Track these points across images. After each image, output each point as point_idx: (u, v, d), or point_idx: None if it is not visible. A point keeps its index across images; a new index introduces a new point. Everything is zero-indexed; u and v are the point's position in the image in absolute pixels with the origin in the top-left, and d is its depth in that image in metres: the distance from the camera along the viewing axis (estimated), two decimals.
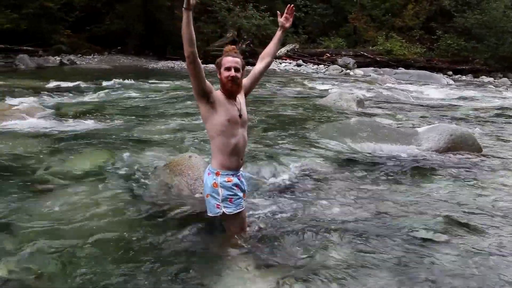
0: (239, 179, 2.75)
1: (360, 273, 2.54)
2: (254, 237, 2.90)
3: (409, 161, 5.04)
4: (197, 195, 3.63)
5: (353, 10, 27.89)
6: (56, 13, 20.13)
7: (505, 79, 21.55)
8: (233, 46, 2.79)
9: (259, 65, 2.98)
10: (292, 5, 3.06)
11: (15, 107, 6.89)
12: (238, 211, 2.71)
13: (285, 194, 3.78)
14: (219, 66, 2.68)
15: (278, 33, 3.05)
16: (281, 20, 3.02)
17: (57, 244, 2.76)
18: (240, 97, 2.77)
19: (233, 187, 2.67)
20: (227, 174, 2.67)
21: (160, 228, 3.05)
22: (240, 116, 2.70)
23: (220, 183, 2.65)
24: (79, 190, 3.68)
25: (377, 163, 4.92)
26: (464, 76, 22.79)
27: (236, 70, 2.64)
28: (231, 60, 2.64)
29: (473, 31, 23.77)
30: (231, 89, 2.67)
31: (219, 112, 2.62)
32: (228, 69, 2.63)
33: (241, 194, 2.74)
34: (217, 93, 2.67)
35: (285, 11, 3.01)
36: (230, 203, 2.66)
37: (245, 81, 2.88)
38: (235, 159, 2.70)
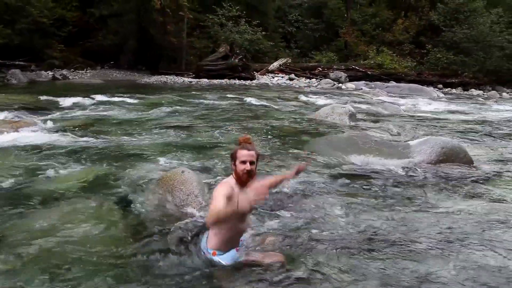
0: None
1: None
2: (247, 252, 2.88)
3: (402, 174, 5.06)
4: (189, 210, 3.61)
5: (344, 25, 28.35)
6: (49, 28, 20.16)
7: (493, 92, 21.93)
8: (247, 137, 2.83)
9: None
10: (307, 165, 3.15)
11: (6, 122, 6.84)
12: (244, 256, 2.78)
13: (277, 209, 3.76)
14: (234, 158, 2.73)
15: (286, 176, 3.18)
16: (293, 172, 3.13)
17: (47, 261, 2.72)
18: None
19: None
20: (223, 253, 2.71)
21: (152, 243, 3.02)
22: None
23: (216, 261, 2.71)
24: (70, 205, 3.63)
25: (370, 176, 4.94)
26: (454, 89, 23.15)
27: (252, 163, 2.70)
28: (246, 154, 2.69)
29: (462, 45, 24.25)
30: (246, 181, 2.72)
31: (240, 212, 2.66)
32: (243, 162, 2.68)
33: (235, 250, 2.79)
34: (233, 188, 2.66)
35: (301, 166, 3.19)
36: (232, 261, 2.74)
37: None
38: (237, 239, 2.79)
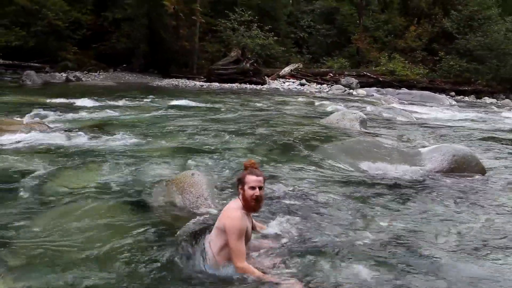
0: None
1: None
2: (256, 257, 2.87)
3: (413, 182, 5.01)
4: (198, 212, 3.62)
5: (356, 31, 28.28)
6: (64, 31, 20.53)
7: (507, 100, 21.64)
8: (253, 161, 2.83)
9: None
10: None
11: (20, 122, 6.95)
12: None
13: (287, 214, 3.75)
14: (242, 183, 2.72)
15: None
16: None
17: (58, 260, 2.74)
18: None
19: None
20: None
21: (161, 245, 3.03)
22: (253, 227, 2.85)
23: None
24: (81, 205, 3.67)
25: (380, 183, 4.90)
26: (466, 97, 22.89)
27: (260, 188, 2.70)
28: (255, 179, 2.70)
29: (475, 53, 24.00)
30: (254, 207, 2.74)
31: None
32: (253, 188, 2.68)
33: None
34: (244, 222, 2.66)
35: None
36: None
37: None
38: None
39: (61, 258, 2.78)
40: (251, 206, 2.71)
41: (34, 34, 19.39)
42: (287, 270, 2.74)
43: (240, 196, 2.73)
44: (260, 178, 2.72)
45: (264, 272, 2.64)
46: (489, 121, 12.34)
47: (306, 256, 2.92)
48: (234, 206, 2.72)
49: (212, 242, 2.75)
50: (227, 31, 24.50)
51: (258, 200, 2.69)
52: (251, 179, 2.68)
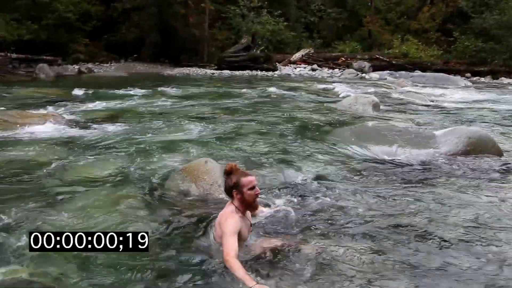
0: None
1: (377, 278, 2.51)
2: (270, 241, 2.89)
3: (427, 165, 4.96)
4: (213, 199, 3.65)
5: (367, 14, 27.78)
6: (74, 23, 20.62)
7: None
8: (234, 164, 2.81)
9: None
10: None
11: (34, 115, 7.06)
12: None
13: (300, 198, 3.75)
14: (239, 186, 2.69)
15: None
16: None
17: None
18: None
19: None
20: None
21: (175, 233, 3.07)
22: (251, 225, 2.82)
23: None
24: (95, 195, 3.73)
25: (394, 166, 4.86)
26: (482, 78, 22.34)
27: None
28: (252, 179, 2.74)
29: (492, 32, 23.32)
30: (254, 206, 2.80)
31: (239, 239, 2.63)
32: (253, 188, 2.71)
33: None
34: (238, 222, 2.62)
35: None
36: None
37: None
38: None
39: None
40: (252, 205, 2.77)
41: (46, 27, 19.54)
42: (295, 251, 2.75)
43: (237, 201, 2.72)
44: (253, 177, 2.77)
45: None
46: (506, 102, 12.07)
47: (316, 238, 2.93)
48: (229, 211, 2.71)
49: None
50: (237, 17, 24.33)
51: (257, 198, 2.77)
52: (249, 180, 2.72)
